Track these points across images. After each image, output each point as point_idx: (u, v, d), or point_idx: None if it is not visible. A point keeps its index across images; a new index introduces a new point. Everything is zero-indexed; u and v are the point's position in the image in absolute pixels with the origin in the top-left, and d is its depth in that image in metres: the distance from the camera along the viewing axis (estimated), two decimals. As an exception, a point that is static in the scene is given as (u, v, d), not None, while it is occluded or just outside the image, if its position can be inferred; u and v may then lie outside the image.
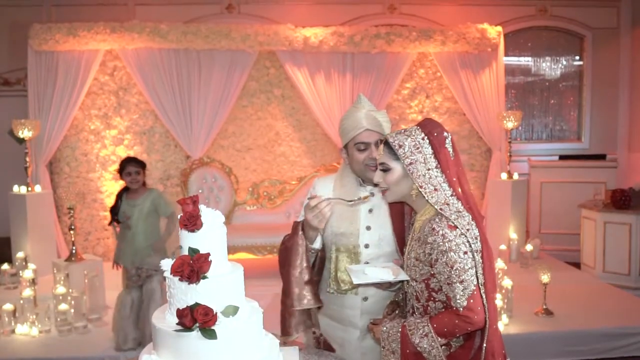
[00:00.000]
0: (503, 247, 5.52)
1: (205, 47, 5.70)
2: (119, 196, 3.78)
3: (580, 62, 7.21)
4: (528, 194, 6.41)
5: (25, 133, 5.31)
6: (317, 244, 2.10)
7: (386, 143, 1.86)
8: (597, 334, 3.90)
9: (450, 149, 1.82)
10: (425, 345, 1.77)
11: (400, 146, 1.80)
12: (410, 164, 1.79)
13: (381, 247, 2.10)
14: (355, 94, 6.00)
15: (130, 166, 3.71)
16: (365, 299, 2.13)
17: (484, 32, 6.02)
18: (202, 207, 1.58)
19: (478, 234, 1.76)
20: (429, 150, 1.80)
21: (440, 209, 1.75)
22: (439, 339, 1.76)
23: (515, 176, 5.96)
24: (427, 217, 1.83)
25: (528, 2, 7.01)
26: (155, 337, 1.54)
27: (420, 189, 1.78)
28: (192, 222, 1.53)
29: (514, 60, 7.17)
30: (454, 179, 1.80)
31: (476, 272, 1.73)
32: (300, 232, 2.03)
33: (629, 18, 7.04)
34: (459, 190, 1.80)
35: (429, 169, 1.79)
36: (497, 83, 6.20)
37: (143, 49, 5.70)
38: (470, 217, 1.77)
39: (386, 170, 1.85)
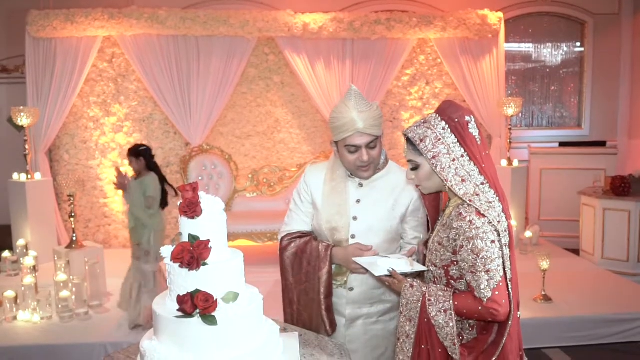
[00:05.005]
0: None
1: (204, 34, 5.65)
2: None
3: (582, 49, 7.17)
4: (528, 180, 6.41)
5: (24, 120, 5.27)
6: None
7: (408, 139, 1.75)
8: (595, 320, 3.92)
9: (475, 133, 1.68)
10: (440, 321, 1.68)
11: (421, 140, 1.69)
12: (433, 157, 1.67)
13: (368, 237, 2.08)
14: (355, 80, 5.98)
15: (128, 154, 3.85)
16: (351, 289, 2.14)
17: (485, 18, 5.97)
18: (201, 194, 1.57)
19: (507, 226, 1.67)
20: (452, 138, 1.67)
21: (470, 200, 1.64)
22: (456, 317, 1.68)
23: (515, 163, 5.96)
24: (458, 202, 1.72)
25: (529, -12, 6.97)
26: (155, 323, 1.55)
27: (446, 182, 1.67)
28: (192, 209, 1.53)
29: (514, 46, 7.13)
30: (483, 165, 1.67)
31: (504, 264, 1.64)
32: (328, 264, 2.08)
33: (631, 4, 6.99)
34: (490, 176, 1.69)
35: (454, 160, 1.67)
36: (497, 69, 6.17)
37: (141, 36, 5.66)
38: (502, 208, 1.66)
39: (415, 168, 1.75)
